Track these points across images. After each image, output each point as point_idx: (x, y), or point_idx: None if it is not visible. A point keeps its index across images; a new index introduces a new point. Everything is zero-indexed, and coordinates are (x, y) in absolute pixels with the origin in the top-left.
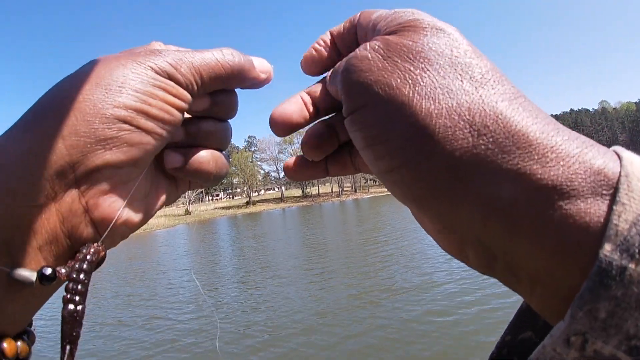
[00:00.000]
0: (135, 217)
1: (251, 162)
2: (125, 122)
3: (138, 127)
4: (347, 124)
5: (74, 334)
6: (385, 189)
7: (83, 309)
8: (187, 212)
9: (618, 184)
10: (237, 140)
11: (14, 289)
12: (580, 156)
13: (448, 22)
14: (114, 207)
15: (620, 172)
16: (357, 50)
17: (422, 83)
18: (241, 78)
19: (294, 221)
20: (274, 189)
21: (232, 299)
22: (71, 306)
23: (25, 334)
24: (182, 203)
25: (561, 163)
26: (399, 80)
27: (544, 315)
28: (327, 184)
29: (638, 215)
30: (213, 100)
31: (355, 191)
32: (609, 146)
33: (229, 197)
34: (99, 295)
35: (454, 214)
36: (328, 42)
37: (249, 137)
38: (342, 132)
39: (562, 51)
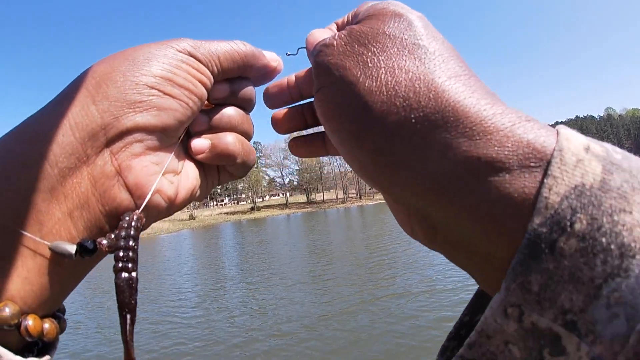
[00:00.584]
0: (169, 190)
1: (256, 167)
2: (153, 87)
3: (166, 93)
4: (314, 103)
5: (133, 301)
6: None
7: (137, 275)
8: (192, 217)
9: (551, 158)
10: None
11: (48, 261)
12: (511, 130)
13: (455, 28)
14: (147, 171)
15: (555, 147)
16: (328, 37)
17: (370, 65)
18: (254, 64)
19: (298, 227)
20: (278, 195)
21: (237, 302)
22: (125, 274)
23: (56, 319)
24: (187, 208)
25: (488, 136)
26: (352, 63)
27: (487, 291)
28: (332, 191)
29: (571, 188)
30: (232, 88)
31: (360, 198)
32: None
33: (234, 203)
34: (106, 297)
35: (394, 183)
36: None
37: (254, 142)
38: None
39: (567, 58)
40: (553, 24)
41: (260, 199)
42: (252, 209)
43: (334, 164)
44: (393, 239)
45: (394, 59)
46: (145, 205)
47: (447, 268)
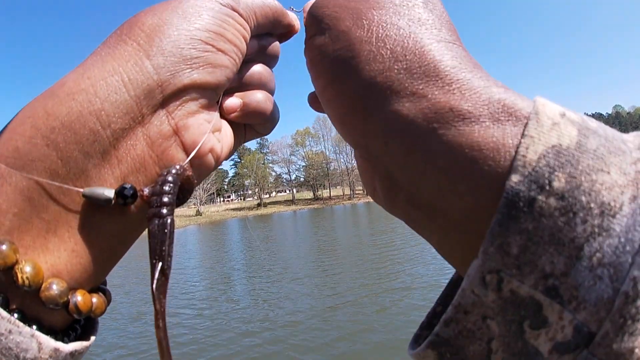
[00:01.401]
0: (218, 148)
1: (263, 164)
2: (207, 43)
3: (219, 50)
4: (304, 52)
5: (164, 249)
6: None
7: (172, 221)
8: (199, 213)
9: (528, 120)
10: (249, 142)
11: (98, 229)
12: (484, 89)
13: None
14: (203, 130)
15: (531, 110)
16: None
17: (363, 18)
18: (282, 21)
19: (305, 223)
20: (285, 191)
21: (246, 294)
22: (157, 220)
23: (101, 292)
24: (194, 204)
25: (462, 91)
26: (346, 14)
27: (454, 264)
28: (338, 187)
29: (548, 148)
30: (260, 44)
31: (367, 194)
32: None
33: (240, 199)
34: (113, 293)
35: (366, 131)
36: None
37: (260, 139)
38: None
39: (575, 55)
40: (561, 22)
41: (267, 195)
42: (259, 205)
43: (341, 161)
44: (398, 234)
45: (388, 16)
46: (199, 165)
47: None
